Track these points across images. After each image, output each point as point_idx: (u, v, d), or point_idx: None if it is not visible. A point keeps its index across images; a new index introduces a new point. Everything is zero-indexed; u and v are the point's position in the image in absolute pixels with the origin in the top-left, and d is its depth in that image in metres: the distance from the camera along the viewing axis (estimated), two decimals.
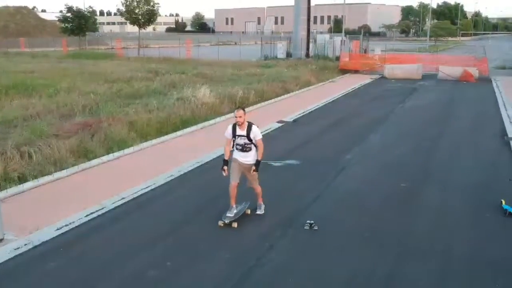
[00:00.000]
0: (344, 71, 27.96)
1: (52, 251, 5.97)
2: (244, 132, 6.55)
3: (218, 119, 14.20)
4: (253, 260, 5.69)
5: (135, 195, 7.87)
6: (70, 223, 6.70)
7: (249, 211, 6.94)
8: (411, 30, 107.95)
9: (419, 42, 74.80)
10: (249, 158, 6.63)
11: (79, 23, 42.94)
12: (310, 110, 16.25)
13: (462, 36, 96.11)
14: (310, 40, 37.31)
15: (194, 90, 16.59)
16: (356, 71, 28.13)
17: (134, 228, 6.69)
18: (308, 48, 36.58)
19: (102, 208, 7.28)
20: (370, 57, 32.20)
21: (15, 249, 5.92)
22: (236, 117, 6.52)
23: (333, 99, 18.75)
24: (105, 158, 9.86)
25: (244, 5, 70.59)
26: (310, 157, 10.21)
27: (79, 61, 32.68)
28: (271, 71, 24.83)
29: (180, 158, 9.94)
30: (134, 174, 8.89)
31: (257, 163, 6.63)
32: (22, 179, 8.34)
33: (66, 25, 44.33)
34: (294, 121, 14.42)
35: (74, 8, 43.71)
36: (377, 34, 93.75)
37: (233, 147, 6.70)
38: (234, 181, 6.67)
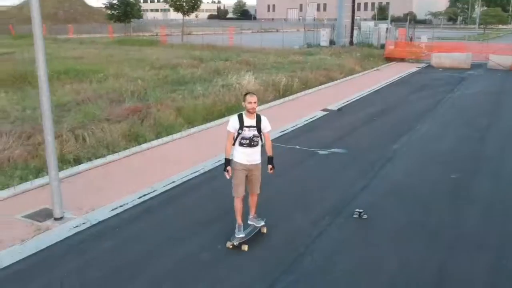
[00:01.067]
0: (389, 60, 27.42)
1: (108, 230, 6.22)
2: (253, 123, 5.54)
3: (262, 107, 14.26)
4: (303, 247, 5.75)
5: (185, 179, 8.06)
6: (124, 204, 6.95)
7: (265, 229, 6.02)
8: (459, 17, 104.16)
9: (467, 30, 72.26)
10: (256, 156, 5.68)
11: (125, 10, 43.80)
12: (355, 99, 16.08)
13: None
14: (354, 27, 36.73)
15: (239, 77, 16.71)
16: (401, 60, 27.52)
17: (185, 211, 6.87)
18: (352, 36, 36.07)
19: (154, 191, 7.51)
20: (416, 45, 31.36)
21: (74, 227, 6.21)
22: (250, 102, 5.45)
23: (379, 88, 18.47)
24: (154, 142, 10.12)
25: None
26: (356, 146, 10.14)
27: (125, 47, 33.40)
28: (314, 59, 24.63)
29: None
30: (183, 158, 9.09)
31: (271, 159, 5.78)
32: (76, 161, 8.68)
33: (113, 12, 45.23)
34: (339, 109, 14.30)
35: None
36: (423, 22, 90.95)
37: (234, 144, 5.63)
38: (242, 194, 5.71)
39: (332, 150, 9.84)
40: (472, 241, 5.95)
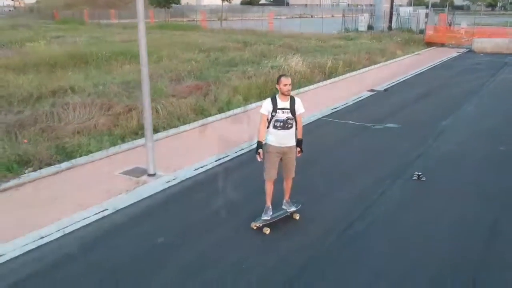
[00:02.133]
0: (429, 44, 27.63)
1: (196, 185, 7.13)
2: (287, 105, 5.48)
3: (311, 87, 15.02)
4: (370, 201, 6.52)
5: (252, 147, 8.90)
6: (204, 166, 7.85)
7: (297, 216, 5.98)
8: (498, 3, 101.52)
9: (508, 16, 70.54)
10: (290, 139, 5.59)
11: None
12: (400, 80, 16.61)
13: None
14: (394, 13, 36.83)
15: (286, 59, 17.44)
16: (442, 45, 27.70)
17: (258, 173, 7.71)
18: (390, 21, 36.22)
19: (227, 156, 8.38)
20: (456, 30, 31.35)
21: (167, 182, 7.14)
22: (285, 85, 5.41)
23: (421, 71, 18.90)
24: (218, 116, 11.02)
25: None
26: (407, 122, 10.79)
27: (167, 31, 34.42)
28: (355, 43, 25.13)
29: None
30: (247, 129, 9.92)
31: (300, 142, 5.71)
32: (154, 130, 9.62)
33: None
34: (385, 90, 14.89)
35: None
36: (460, 8, 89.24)
37: (268, 127, 5.55)
38: (273, 177, 5.70)
39: (385, 125, 10.51)
40: None
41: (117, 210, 6.19)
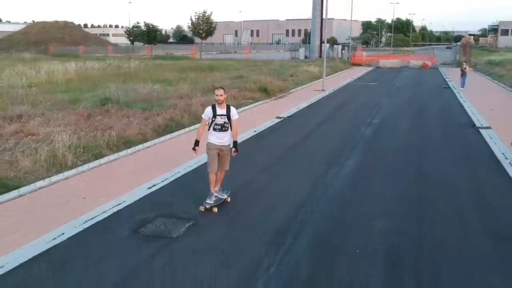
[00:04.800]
0: (354, 65, 46.71)
1: (336, 92, 23.91)
2: (224, 111, 6.85)
3: (319, 80, 32.25)
4: (377, 108, 23.88)
5: (299, 109, 25.88)
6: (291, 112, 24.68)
7: (229, 199, 7.38)
8: (371, 41, 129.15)
9: (381, 50, 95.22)
10: (225, 139, 6.95)
11: (155, 35, 60.04)
12: (359, 76, 34.63)
13: (413, 46, 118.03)
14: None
15: (299, 69, 34.60)
16: (359, 65, 46.93)
17: (309, 119, 24.74)
18: (320, 52, 55.35)
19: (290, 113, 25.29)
20: (363, 56, 51.26)
21: (330, 93, 23.87)
22: (218, 95, 6.82)
23: (362, 75, 37.25)
24: (273, 99, 27.83)
25: (220, 19, 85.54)
26: (380, 83, 28.49)
27: (162, 61, 49.62)
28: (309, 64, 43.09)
29: (308, 96, 27.96)
30: (291, 103, 26.70)
31: (235, 143, 7.03)
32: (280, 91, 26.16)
33: (139, 36, 61.21)
34: (357, 80, 32.72)
35: (145, 24, 60.98)
36: (344, 45, 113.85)
37: (209, 129, 6.97)
38: (214, 169, 7.00)
39: (372, 83, 28.15)
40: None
41: (306, 107, 22.91)
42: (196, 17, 56.92)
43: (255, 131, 13.51)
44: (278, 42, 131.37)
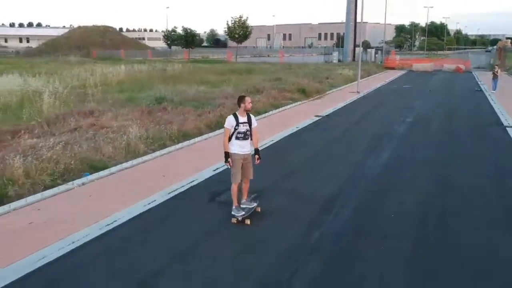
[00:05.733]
0: (387, 68, 47.60)
1: (369, 95, 25.17)
2: (245, 119, 6.90)
3: (354, 83, 33.35)
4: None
5: (336, 109, 27.11)
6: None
7: (259, 209, 7.30)
8: (405, 45, 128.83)
9: (415, 54, 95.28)
10: (247, 147, 6.98)
11: (193, 39, 62.33)
12: (392, 79, 35.67)
13: (447, 50, 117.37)
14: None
15: (336, 71, 35.87)
16: (393, 68, 47.77)
17: (346, 118, 25.95)
18: (354, 56, 56.39)
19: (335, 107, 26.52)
20: (396, 60, 52.03)
21: (364, 95, 25.15)
22: (247, 102, 6.89)
23: (395, 78, 38.22)
24: (311, 100, 29.14)
25: (253, 23, 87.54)
26: (414, 86, 29.57)
27: (201, 64, 51.56)
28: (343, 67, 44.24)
29: (344, 98, 29.19)
30: (328, 104, 27.91)
31: (257, 151, 7.10)
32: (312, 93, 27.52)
33: (177, 40, 63.58)
34: (390, 83, 33.80)
35: (183, 28, 63.40)
36: (378, 48, 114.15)
37: (230, 139, 6.90)
38: (239, 180, 7.02)
39: (405, 86, 29.25)
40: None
41: (346, 104, 24.21)
42: (232, 21, 58.90)
43: (297, 127, 14.99)
44: (311, 45, 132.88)
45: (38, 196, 8.07)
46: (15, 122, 14.00)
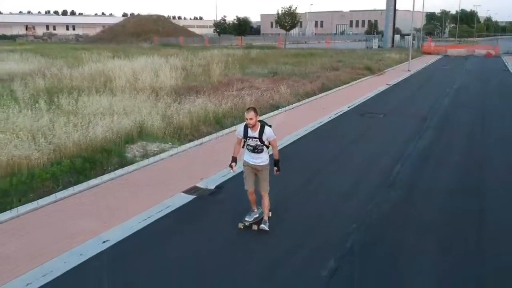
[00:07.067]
0: (424, 53, 53.94)
1: (399, 84, 31.99)
2: (256, 134, 6.24)
3: (403, 64, 39.81)
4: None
5: (399, 80, 33.89)
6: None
7: (270, 214, 6.88)
8: (435, 32, 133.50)
9: (445, 41, 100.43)
10: (260, 159, 6.41)
11: (245, 27, 69.59)
12: (432, 62, 42.18)
13: (477, 37, 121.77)
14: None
15: (385, 55, 42.55)
16: (429, 53, 54.05)
17: (409, 86, 32.72)
18: (393, 42, 62.85)
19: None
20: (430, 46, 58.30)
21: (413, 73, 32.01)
22: (246, 119, 6.14)
23: (434, 61, 44.58)
24: (376, 75, 35.95)
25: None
26: (452, 67, 36.23)
27: (266, 50, 58.44)
28: (390, 51, 50.76)
29: (401, 74, 35.91)
30: (391, 78, 34.61)
31: (277, 162, 6.46)
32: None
33: (229, 28, 70.90)
34: (431, 64, 40.39)
35: (241, 18, 70.62)
36: (407, 35, 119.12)
37: (243, 147, 6.47)
38: (250, 188, 6.59)
39: (444, 67, 35.93)
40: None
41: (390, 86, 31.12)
42: (282, 11, 65.88)
43: (379, 90, 22.17)
44: (343, 32, 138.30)
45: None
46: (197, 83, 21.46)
